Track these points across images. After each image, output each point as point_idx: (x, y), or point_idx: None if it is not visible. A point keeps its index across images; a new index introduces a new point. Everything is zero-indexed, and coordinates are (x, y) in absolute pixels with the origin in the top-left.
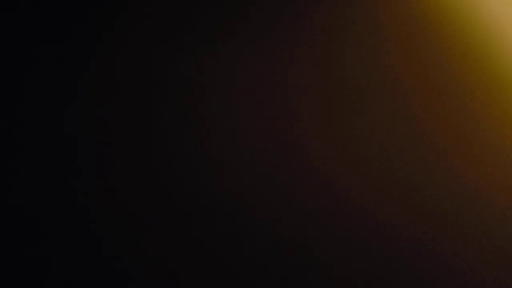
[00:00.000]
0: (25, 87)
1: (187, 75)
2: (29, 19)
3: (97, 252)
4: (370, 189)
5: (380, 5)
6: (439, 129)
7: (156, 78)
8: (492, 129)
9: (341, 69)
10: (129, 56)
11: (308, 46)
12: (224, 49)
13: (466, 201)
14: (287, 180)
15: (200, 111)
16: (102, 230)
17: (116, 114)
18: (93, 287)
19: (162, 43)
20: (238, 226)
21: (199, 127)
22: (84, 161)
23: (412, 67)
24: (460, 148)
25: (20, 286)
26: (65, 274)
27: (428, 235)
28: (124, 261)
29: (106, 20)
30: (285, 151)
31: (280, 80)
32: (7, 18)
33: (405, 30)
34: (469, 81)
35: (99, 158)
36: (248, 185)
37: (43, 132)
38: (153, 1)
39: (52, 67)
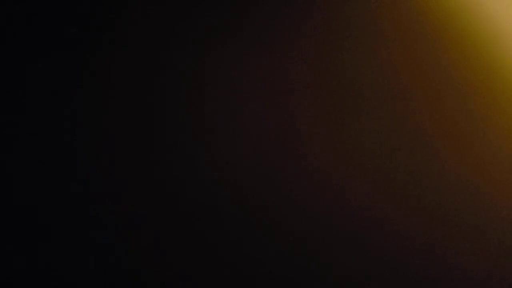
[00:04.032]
0: (24, 87)
1: (187, 75)
2: (29, 19)
3: (97, 252)
4: (370, 189)
5: (380, 5)
6: (439, 129)
7: (156, 78)
8: (492, 129)
9: (341, 69)
10: (129, 56)
11: (308, 46)
12: (224, 49)
13: (466, 201)
14: (287, 180)
15: (200, 111)
16: (102, 231)
17: (116, 114)
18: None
19: (162, 43)
20: (238, 226)
21: (199, 127)
22: (84, 161)
23: (412, 66)
24: (460, 148)
25: (19, 286)
26: (65, 274)
27: (428, 235)
28: (124, 262)
29: (106, 20)
30: (285, 151)
31: (280, 80)
32: (7, 18)
33: (405, 30)
34: (469, 81)
35: (99, 158)
36: (248, 185)
37: (42, 132)
38: (153, 1)
39: (52, 67)
